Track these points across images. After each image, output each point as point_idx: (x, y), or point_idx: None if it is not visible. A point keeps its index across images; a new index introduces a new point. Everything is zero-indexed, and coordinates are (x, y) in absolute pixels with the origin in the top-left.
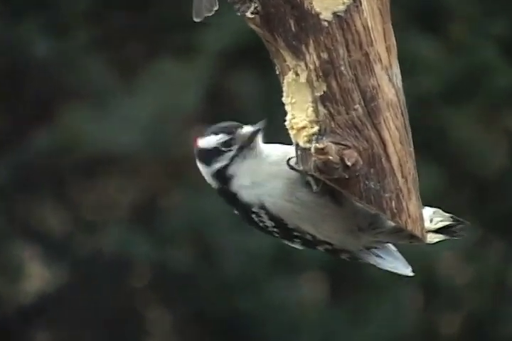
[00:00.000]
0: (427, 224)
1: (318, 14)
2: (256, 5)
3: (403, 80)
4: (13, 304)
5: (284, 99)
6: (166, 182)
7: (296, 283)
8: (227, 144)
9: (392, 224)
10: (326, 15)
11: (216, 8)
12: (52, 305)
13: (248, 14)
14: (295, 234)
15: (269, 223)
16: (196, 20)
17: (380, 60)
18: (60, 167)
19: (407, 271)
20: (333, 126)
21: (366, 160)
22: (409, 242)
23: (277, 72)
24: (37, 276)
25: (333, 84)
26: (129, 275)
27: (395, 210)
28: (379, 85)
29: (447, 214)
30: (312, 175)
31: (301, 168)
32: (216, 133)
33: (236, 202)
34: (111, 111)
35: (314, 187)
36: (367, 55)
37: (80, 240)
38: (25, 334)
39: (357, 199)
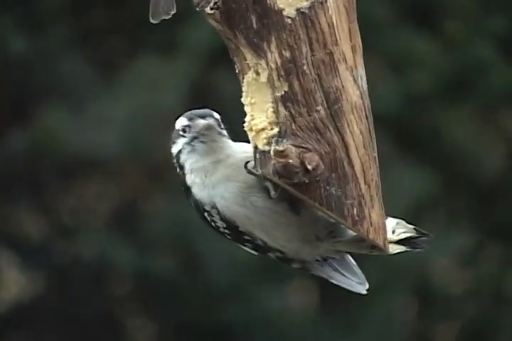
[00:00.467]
0: (389, 235)
1: (281, 10)
2: (216, 0)
3: (396, 78)
4: None
5: (243, 100)
6: (148, 186)
7: (284, 291)
8: (184, 130)
9: (353, 233)
10: (289, 11)
11: (174, 11)
12: (29, 314)
13: (207, 10)
14: (246, 237)
15: (220, 224)
16: (153, 21)
17: (345, 60)
18: (36, 170)
19: (361, 288)
20: (294, 128)
21: (328, 165)
22: (369, 252)
23: (237, 71)
24: (13, 284)
25: (295, 84)
26: (109, 283)
27: (356, 218)
28: (343, 86)
29: (411, 226)
30: (270, 180)
31: (259, 172)
32: (187, 117)
33: (190, 195)
34: (90, 111)
35: (272, 193)
36: (331, 54)
37: (58, 246)
38: None
39: (317, 206)
